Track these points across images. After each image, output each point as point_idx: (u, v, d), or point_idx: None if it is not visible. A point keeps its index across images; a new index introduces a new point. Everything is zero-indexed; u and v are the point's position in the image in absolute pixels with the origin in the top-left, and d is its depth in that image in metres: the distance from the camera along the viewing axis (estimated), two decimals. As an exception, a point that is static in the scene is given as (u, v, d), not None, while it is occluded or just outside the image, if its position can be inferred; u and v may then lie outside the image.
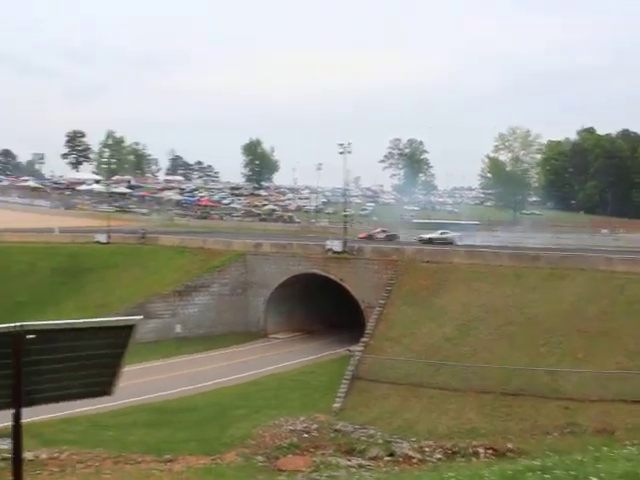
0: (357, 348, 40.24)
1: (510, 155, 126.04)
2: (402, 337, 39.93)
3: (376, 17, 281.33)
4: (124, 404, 29.70)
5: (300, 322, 54.41)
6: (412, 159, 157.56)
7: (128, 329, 7.85)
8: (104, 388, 9.27)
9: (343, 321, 51.54)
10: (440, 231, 64.72)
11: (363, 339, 40.65)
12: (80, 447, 23.00)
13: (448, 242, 60.28)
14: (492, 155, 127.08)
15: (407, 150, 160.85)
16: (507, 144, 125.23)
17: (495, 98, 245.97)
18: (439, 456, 24.41)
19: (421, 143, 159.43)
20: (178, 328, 49.58)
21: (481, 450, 24.69)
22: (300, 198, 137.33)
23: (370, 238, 66.84)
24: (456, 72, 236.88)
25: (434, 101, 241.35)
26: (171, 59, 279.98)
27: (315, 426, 27.79)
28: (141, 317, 6.70)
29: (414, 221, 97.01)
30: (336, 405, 33.81)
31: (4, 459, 18.83)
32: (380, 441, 26.14)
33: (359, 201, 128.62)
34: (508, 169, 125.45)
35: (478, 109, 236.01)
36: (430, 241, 61.25)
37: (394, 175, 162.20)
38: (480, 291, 41.89)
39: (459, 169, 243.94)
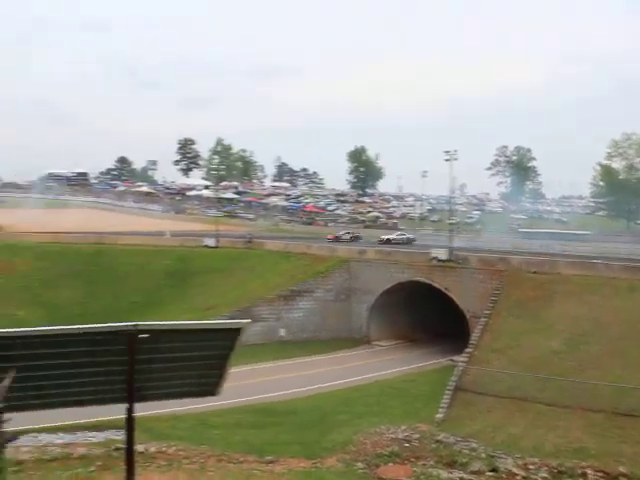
0: (461, 359, 39.54)
1: (624, 163, 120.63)
2: (507, 349, 38.89)
3: (481, 24, 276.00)
4: (229, 404, 30.39)
5: (403, 330, 54.03)
6: (519, 166, 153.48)
7: (236, 332, 8.08)
8: (211, 388, 9.55)
9: (446, 331, 50.79)
10: (397, 232, 75.64)
11: (467, 350, 39.89)
12: (187, 443, 23.63)
13: (405, 242, 68.54)
14: (605, 162, 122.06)
15: (514, 157, 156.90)
16: (621, 151, 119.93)
17: (607, 102, 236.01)
18: (544, 475, 23.55)
19: (529, 150, 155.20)
20: (282, 332, 50.34)
21: (590, 472, 23.62)
22: (405, 205, 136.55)
23: (337, 240, 71.94)
24: (565, 75, 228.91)
25: (541, 107, 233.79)
26: (278, 70, 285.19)
27: (416, 436, 27.46)
28: (249, 321, 6.89)
29: (521, 230, 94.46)
30: (438, 416, 33.30)
31: (117, 449, 19.74)
32: (483, 455, 25.50)
33: (464, 209, 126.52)
34: (621, 177, 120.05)
35: (588, 114, 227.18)
36: (388, 241, 68.88)
37: (501, 183, 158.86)
38: (591, 304, 40.21)
39: (568, 177, 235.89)
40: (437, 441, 27.02)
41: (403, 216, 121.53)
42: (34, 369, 8.74)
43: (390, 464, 23.65)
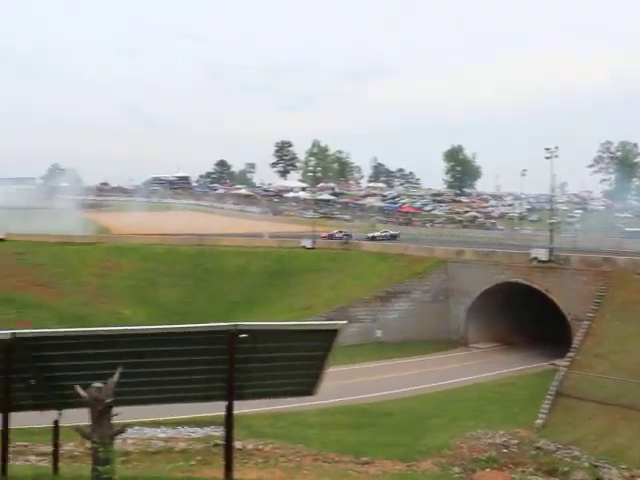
0: (562, 363, 38.35)
1: None
2: (611, 354, 37.38)
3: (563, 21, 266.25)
4: (325, 404, 30.62)
5: (500, 332, 52.87)
6: (624, 163, 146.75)
7: (333, 333, 8.23)
8: (308, 388, 9.74)
9: (545, 334, 49.31)
10: (382, 230, 79.66)
11: (569, 354, 38.65)
12: (283, 442, 23.97)
13: (389, 238, 73.50)
14: None
15: (619, 153, 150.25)
16: None
17: None
18: (653, 488, 22.51)
19: (635, 145, 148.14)
20: (379, 333, 50.29)
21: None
22: (503, 205, 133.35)
23: (331, 237, 75.34)
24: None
25: None
26: (374, 70, 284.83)
27: (515, 441, 26.82)
28: (345, 322, 6.99)
29: (627, 230, 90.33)
30: (538, 421, 32.43)
31: (216, 445, 20.28)
32: (585, 464, 24.62)
33: (566, 208, 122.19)
34: None
35: None
36: (374, 238, 73.40)
37: (604, 180, 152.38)
38: None
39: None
40: (537, 448, 26.31)
41: (502, 216, 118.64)
42: (139, 366, 9.18)
43: (487, 470, 23.21)
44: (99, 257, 63.13)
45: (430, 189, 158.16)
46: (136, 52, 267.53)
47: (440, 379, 40.90)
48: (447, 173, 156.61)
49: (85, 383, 7.34)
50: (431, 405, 35.81)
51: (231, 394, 9.03)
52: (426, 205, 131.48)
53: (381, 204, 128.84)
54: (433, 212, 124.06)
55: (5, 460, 9.89)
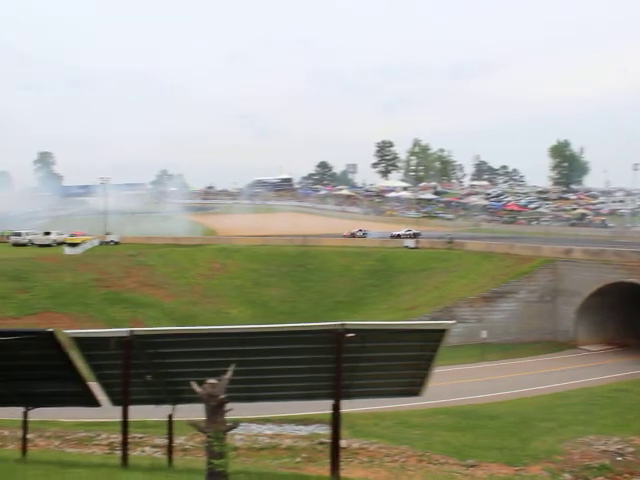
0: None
1: None
2: None
3: None
4: (429, 405, 30.32)
5: (612, 334, 50.69)
6: None
7: (441, 333, 8.19)
8: (415, 389, 9.74)
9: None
10: (405, 229, 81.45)
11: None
12: (388, 442, 23.91)
13: (413, 236, 76.27)
14: None
15: None
16: None
17: None
18: None
19: None
20: (484, 334, 49.32)
21: None
22: (613, 201, 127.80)
23: (353, 236, 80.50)
24: None
25: None
26: (474, 68, 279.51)
27: (631, 449, 25.62)
28: (454, 322, 6.96)
29: None
30: (655, 429, 30.88)
31: (322, 443, 20.50)
32: None
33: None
34: None
35: None
36: (399, 236, 77.32)
37: None
38: None
39: None
40: (654, 457, 25.06)
41: (612, 212, 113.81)
42: (248, 364, 9.44)
43: (600, 478, 22.36)
44: (206, 258, 65.15)
45: (535, 186, 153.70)
46: (244, 58, 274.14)
47: (547, 382, 39.64)
48: (553, 169, 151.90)
49: (196, 380, 7.63)
50: (538, 408, 34.75)
51: (338, 393, 9.13)
52: (531, 203, 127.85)
53: (484, 202, 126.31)
54: (539, 210, 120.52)
55: (125, 450, 10.43)
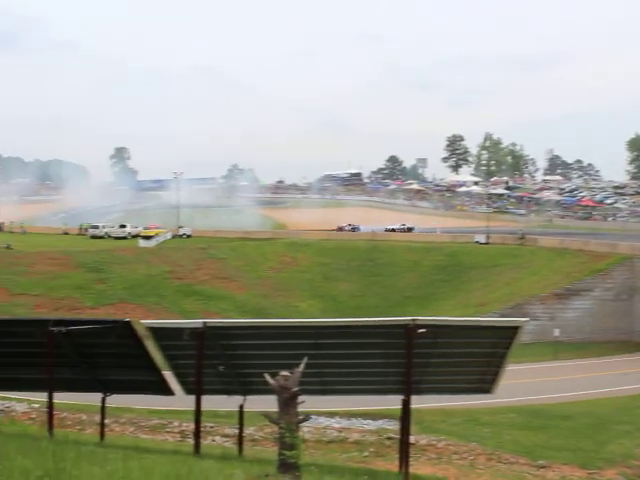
0: None
1: None
2: None
3: None
4: (499, 403, 29.81)
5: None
6: None
7: (514, 330, 8.07)
8: (486, 386, 9.62)
9: None
10: (400, 223, 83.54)
11: None
12: (456, 439, 23.70)
13: (407, 230, 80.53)
14: None
15: None
16: None
17: None
18: None
19: None
20: (556, 332, 48.20)
21: None
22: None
23: (340, 230, 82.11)
24: None
25: None
26: (548, 60, 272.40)
27: None
28: (527, 319, 6.85)
29: None
30: None
31: (389, 438, 20.49)
32: None
33: None
34: None
35: None
36: (393, 230, 79.89)
37: None
38: None
39: None
40: None
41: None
42: (319, 357, 9.52)
43: (681, 486, 21.53)
44: (277, 252, 65.84)
45: (612, 181, 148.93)
46: (311, 54, 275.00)
47: (623, 383, 38.42)
48: (631, 163, 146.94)
49: (267, 372, 7.73)
50: (613, 410, 33.73)
51: (409, 388, 9.11)
52: (607, 198, 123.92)
53: (558, 198, 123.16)
54: (615, 205, 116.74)
55: (198, 438, 10.69)
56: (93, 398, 13.82)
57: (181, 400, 12.55)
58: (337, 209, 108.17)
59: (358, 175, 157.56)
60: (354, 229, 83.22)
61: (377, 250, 65.67)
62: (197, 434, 10.70)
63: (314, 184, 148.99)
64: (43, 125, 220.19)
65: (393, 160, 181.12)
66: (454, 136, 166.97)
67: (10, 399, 23.43)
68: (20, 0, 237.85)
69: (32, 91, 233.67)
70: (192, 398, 11.17)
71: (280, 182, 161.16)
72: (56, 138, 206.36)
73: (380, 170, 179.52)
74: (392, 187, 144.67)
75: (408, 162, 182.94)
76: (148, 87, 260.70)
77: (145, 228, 75.66)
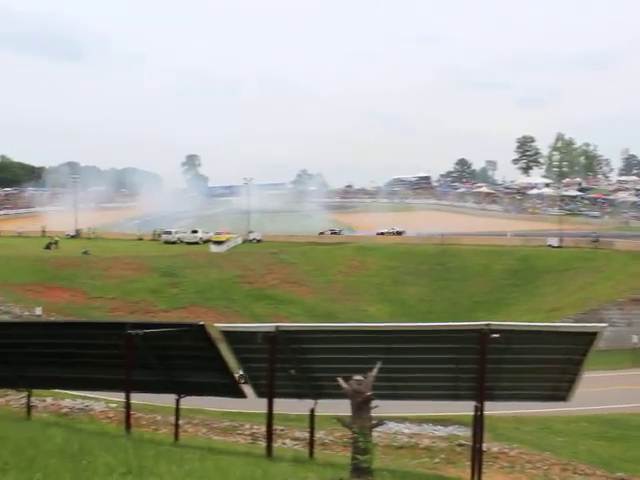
0: None
1: None
2: None
3: None
4: (573, 411, 29.08)
5: None
6: None
7: (592, 336, 7.87)
8: (561, 393, 9.42)
9: None
10: (389, 227, 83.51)
11: None
12: (529, 447, 23.26)
13: (399, 233, 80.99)
14: None
15: None
16: None
17: None
18: None
19: None
20: (634, 338, 46.65)
21: None
22: None
23: (322, 233, 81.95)
24: None
25: None
26: (620, 56, 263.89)
27: None
28: (606, 325, 6.67)
29: None
30: None
31: (460, 445, 20.24)
32: None
33: None
34: None
35: None
36: (382, 234, 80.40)
37: None
38: None
39: None
40: None
41: None
42: (390, 362, 9.50)
43: None
44: (346, 256, 65.91)
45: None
46: (370, 57, 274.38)
47: None
48: None
49: (339, 376, 7.76)
50: (698, 423, 32.42)
51: (482, 395, 8.99)
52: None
53: (634, 199, 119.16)
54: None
55: (270, 441, 10.82)
56: (165, 399, 14.18)
57: (252, 403, 12.72)
58: (406, 213, 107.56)
59: (427, 178, 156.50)
60: (334, 233, 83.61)
61: (446, 254, 64.97)
62: (269, 437, 10.82)
63: (383, 188, 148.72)
64: (117, 135, 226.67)
65: (462, 163, 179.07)
66: (524, 137, 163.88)
67: (89, 398, 24.27)
68: (86, 15, 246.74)
69: (105, 102, 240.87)
70: (263, 401, 11.33)
71: (349, 186, 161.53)
72: (130, 147, 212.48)
73: (449, 173, 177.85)
74: (461, 190, 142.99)
75: (477, 164, 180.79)
76: (216, 95, 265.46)
77: (216, 233, 76.94)
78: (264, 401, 11.15)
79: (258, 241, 76.41)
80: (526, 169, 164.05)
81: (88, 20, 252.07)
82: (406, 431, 23.41)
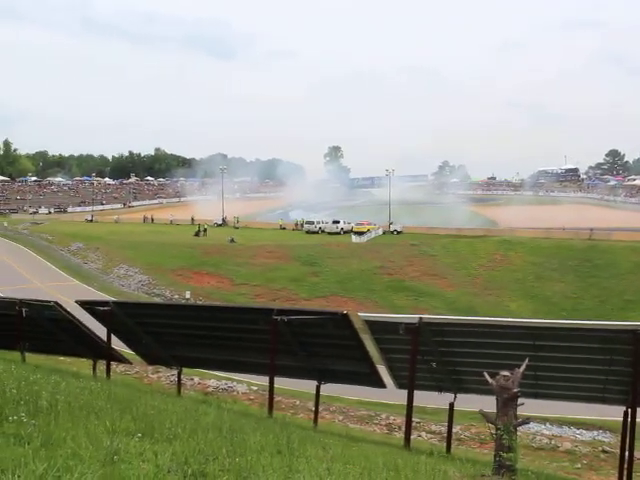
0: None
1: None
2: None
3: None
4: None
5: None
6: None
7: None
8: None
9: None
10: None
11: None
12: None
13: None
14: None
15: None
16: None
17: None
18: None
19: None
20: None
21: None
22: None
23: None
24: None
25: None
26: None
27: None
28: None
29: None
30: None
31: (605, 452, 19.27)
32: None
33: None
34: None
35: None
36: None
37: None
38: None
39: None
40: None
41: None
42: (534, 360, 9.23)
43: None
44: (488, 250, 64.42)
45: None
46: (516, 47, 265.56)
47: None
48: None
49: (482, 370, 7.64)
50: None
51: (634, 399, 8.56)
52: None
53: None
54: None
55: (409, 432, 10.85)
56: (304, 385, 14.51)
57: (388, 393, 12.76)
58: (551, 207, 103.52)
59: (575, 171, 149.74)
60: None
61: (595, 250, 61.83)
62: (408, 428, 10.85)
63: (527, 180, 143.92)
64: (264, 127, 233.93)
65: (613, 154, 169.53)
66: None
67: (232, 380, 25.31)
68: (236, 16, 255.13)
69: (253, 96, 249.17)
70: (398, 392, 11.36)
71: (492, 179, 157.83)
72: (275, 139, 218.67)
73: (599, 165, 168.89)
74: (612, 183, 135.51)
75: (632, 156, 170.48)
76: (360, 88, 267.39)
77: (357, 224, 77.66)
78: (400, 392, 11.19)
79: (399, 232, 76.33)
80: None
81: (239, 21, 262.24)
82: (546, 432, 22.60)
